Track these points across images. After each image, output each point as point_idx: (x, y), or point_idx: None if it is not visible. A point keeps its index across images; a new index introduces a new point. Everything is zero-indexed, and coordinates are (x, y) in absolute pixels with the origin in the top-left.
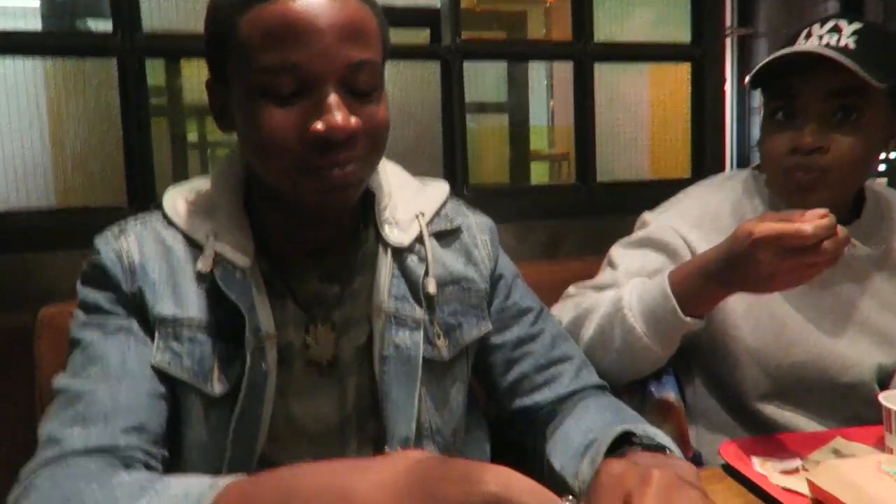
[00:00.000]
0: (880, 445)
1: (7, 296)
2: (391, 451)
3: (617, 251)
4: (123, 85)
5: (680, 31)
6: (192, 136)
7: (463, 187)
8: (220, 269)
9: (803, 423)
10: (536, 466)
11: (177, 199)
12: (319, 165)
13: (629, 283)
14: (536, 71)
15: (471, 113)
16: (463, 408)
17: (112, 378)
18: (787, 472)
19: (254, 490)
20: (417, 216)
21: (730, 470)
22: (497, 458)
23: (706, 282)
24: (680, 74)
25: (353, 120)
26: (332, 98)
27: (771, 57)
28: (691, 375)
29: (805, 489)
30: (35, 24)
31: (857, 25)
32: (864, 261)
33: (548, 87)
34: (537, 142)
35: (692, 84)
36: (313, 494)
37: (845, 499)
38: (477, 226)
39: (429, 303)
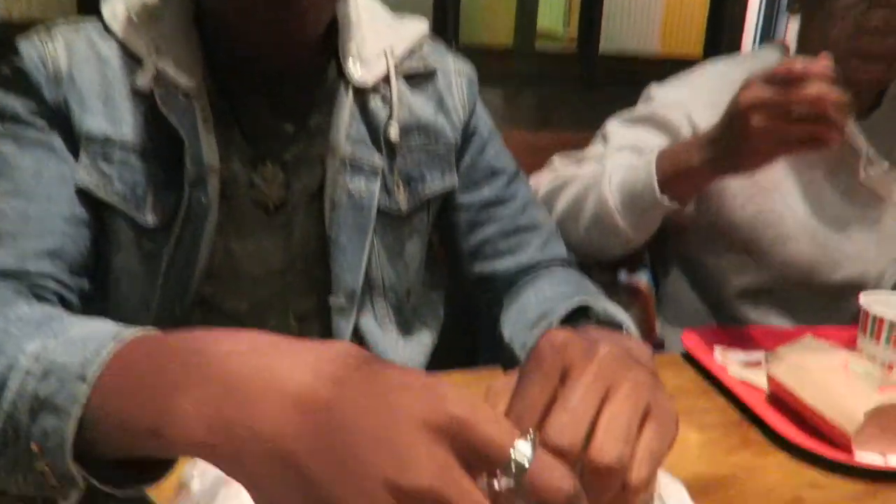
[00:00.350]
0: (852, 346)
1: None
2: (336, 302)
3: (613, 125)
4: None
5: None
6: None
7: (452, 43)
8: (161, 89)
9: (780, 323)
10: (490, 337)
11: (116, 5)
12: None
13: (616, 158)
14: None
15: None
16: (420, 266)
17: (24, 195)
18: (748, 365)
19: (161, 350)
20: (386, 52)
21: (690, 358)
22: (451, 326)
23: (694, 156)
24: None
25: None
26: None
27: None
28: (669, 263)
29: (764, 383)
30: None
31: None
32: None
33: None
34: (547, 16)
35: None
36: (234, 373)
37: (804, 396)
38: (455, 71)
39: (390, 150)
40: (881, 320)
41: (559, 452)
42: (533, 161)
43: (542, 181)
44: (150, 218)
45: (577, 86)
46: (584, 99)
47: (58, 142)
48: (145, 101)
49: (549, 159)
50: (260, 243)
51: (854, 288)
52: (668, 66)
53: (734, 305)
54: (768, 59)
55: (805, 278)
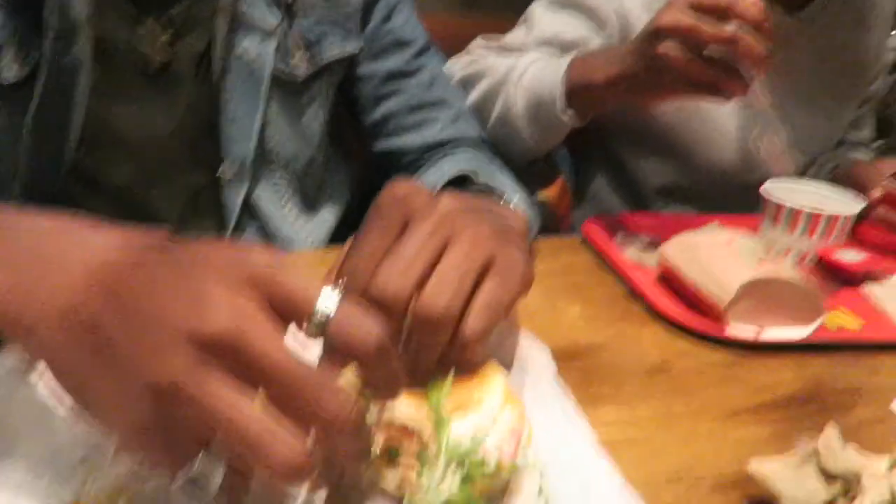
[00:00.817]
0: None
1: None
2: (225, 173)
3: (538, 9)
4: None
5: None
6: None
7: None
8: None
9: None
10: None
11: None
12: None
13: (532, 56)
14: None
15: None
16: (321, 137)
17: None
18: (647, 247)
19: None
20: None
21: (588, 244)
22: (361, 207)
23: (601, 71)
24: None
25: None
26: None
27: None
28: (591, 157)
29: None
30: None
31: None
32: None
33: None
34: None
35: None
36: (40, 247)
37: (686, 272)
38: None
39: (287, 9)
40: (780, 206)
41: (383, 303)
42: (455, 48)
43: (457, 66)
44: (8, 73)
45: None
46: None
47: None
48: None
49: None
50: (141, 109)
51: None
52: None
53: (651, 202)
54: None
55: (725, 178)
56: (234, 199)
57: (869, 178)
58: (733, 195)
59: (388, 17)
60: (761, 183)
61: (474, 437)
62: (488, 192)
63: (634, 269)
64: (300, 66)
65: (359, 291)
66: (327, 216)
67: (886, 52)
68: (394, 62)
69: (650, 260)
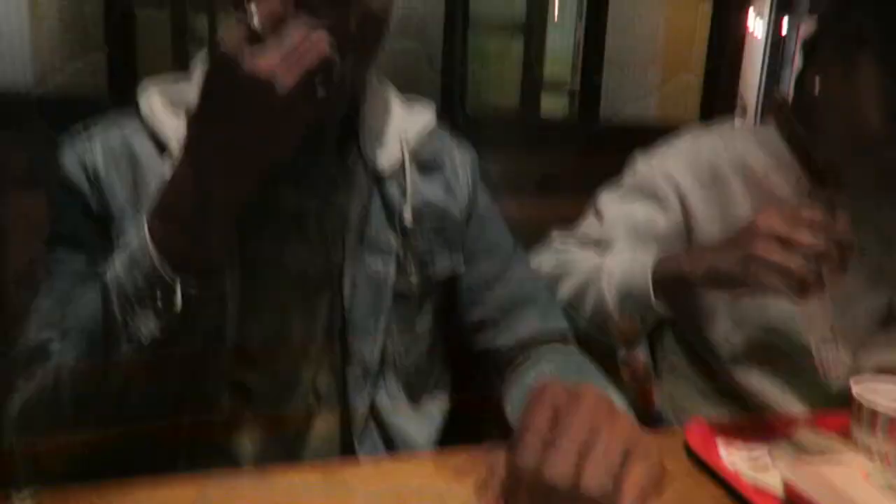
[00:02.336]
0: (845, 431)
1: None
2: (353, 376)
3: (603, 199)
4: None
5: None
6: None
7: (461, 108)
8: None
9: (774, 390)
10: (496, 410)
11: (152, 97)
12: None
13: (615, 253)
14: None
15: (481, 31)
16: (428, 339)
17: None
18: (755, 463)
19: None
20: (402, 141)
21: (694, 457)
22: (460, 396)
23: (693, 267)
24: (699, 12)
25: None
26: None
27: None
28: (662, 330)
29: (775, 484)
30: None
31: None
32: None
33: (578, 9)
34: (556, 70)
35: (712, 20)
36: None
37: None
38: (459, 157)
39: (404, 233)
40: (874, 413)
41: (553, 486)
42: (534, 232)
43: (544, 262)
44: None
45: (577, 152)
46: (583, 165)
47: (88, 240)
48: None
49: (549, 230)
50: (281, 318)
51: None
52: (665, 133)
53: (726, 370)
54: (743, 132)
55: (796, 345)
56: (361, 401)
57: None
58: (804, 354)
59: (481, 228)
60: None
61: None
62: None
63: (758, 496)
64: (415, 280)
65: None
66: (435, 414)
67: None
68: (487, 266)
69: (767, 482)
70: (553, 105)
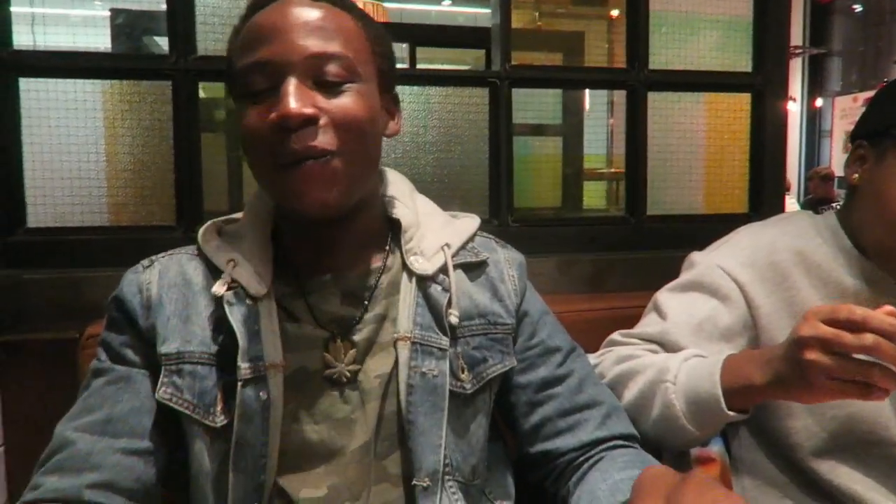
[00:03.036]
0: None
1: (56, 310)
2: (420, 484)
3: (663, 296)
4: (176, 106)
5: (742, 57)
6: None
7: (508, 216)
8: (230, 296)
9: (861, 484)
10: None
11: (209, 230)
12: (289, 159)
13: (681, 355)
14: (596, 93)
15: (523, 136)
16: (483, 444)
17: (96, 432)
18: None
19: None
20: (443, 247)
21: None
22: (520, 499)
23: (756, 375)
24: (739, 103)
25: (310, 106)
26: (288, 86)
27: None
28: (737, 426)
29: None
30: (102, 37)
31: None
32: None
33: (608, 109)
34: (597, 166)
35: (752, 114)
36: None
37: None
38: (506, 260)
39: (452, 334)
40: None
41: None
42: (588, 329)
43: (607, 362)
44: (219, 419)
45: (626, 249)
46: (633, 262)
47: (136, 372)
48: (218, 311)
49: (605, 332)
50: (334, 426)
51: None
52: (714, 224)
53: (808, 464)
54: (800, 223)
55: (870, 433)
56: None
57: None
58: (888, 449)
59: (534, 333)
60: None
61: None
62: None
63: None
64: (467, 382)
65: None
66: None
67: None
68: (545, 370)
69: None
70: (598, 202)
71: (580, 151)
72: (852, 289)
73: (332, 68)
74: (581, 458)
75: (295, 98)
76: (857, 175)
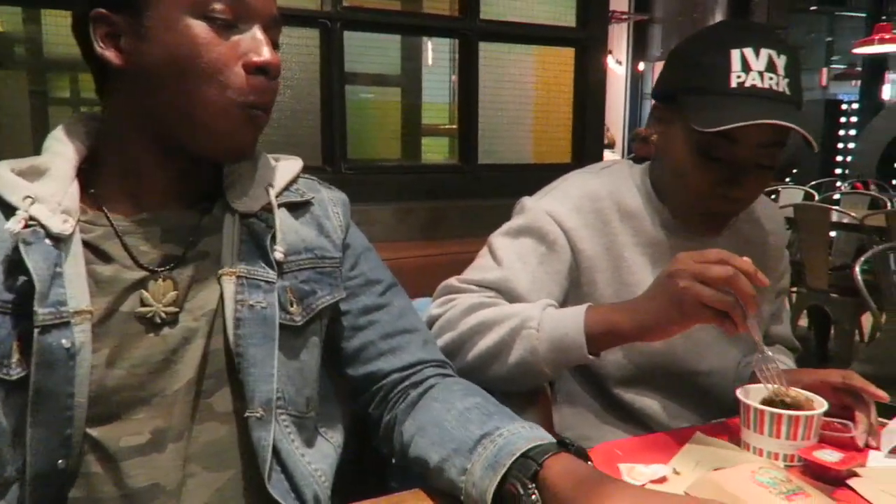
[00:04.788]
0: (736, 438)
1: None
2: (254, 414)
3: (497, 240)
4: None
5: (567, 13)
6: (61, 91)
7: (341, 163)
8: (28, 235)
9: (664, 411)
10: (388, 441)
11: (3, 168)
12: (252, 103)
13: (539, 305)
14: (441, 43)
15: (362, 85)
16: (317, 375)
17: None
18: (655, 482)
19: None
20: (266, 187)
21: None
22: (357, 434)
23: (625, 321)
24: (565, 58)
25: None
26: (263, 35)
27: (747, 123)
28: None
29: None
30: None
31: (784, 58)
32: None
33: (451, 60)
34: (435, 118)
35: (575, 69)
36: None
37: None
38: (329, 199)
39: (279, 269)
40: (762, 412)
41: None
42: (424, 274)
43: (454, 315)
44: (14, 371)
45: (460, 197)
46: (467, 210)
47: None
48: (15, 253)
49: (441, 277)
50: (157, 369)
51: (719, 375)
52: (542, 173)
53: (617, 392)
54: (620, 173)
55: (675, 367)
56: (265, 440)
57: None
58: (700, 386)
59: (356, 264)
60: (712, 371)
61: None
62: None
63: None
64: (297, 314)
65: None
66: (328, 450)
67: (785, 257)
68: (366, 299)
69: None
70: (433, 152)
71: (419, 101)
72: (658, 237)
73: (276, 31)
74: (406, 382)
75: (270, 50)
76: (655, 136)
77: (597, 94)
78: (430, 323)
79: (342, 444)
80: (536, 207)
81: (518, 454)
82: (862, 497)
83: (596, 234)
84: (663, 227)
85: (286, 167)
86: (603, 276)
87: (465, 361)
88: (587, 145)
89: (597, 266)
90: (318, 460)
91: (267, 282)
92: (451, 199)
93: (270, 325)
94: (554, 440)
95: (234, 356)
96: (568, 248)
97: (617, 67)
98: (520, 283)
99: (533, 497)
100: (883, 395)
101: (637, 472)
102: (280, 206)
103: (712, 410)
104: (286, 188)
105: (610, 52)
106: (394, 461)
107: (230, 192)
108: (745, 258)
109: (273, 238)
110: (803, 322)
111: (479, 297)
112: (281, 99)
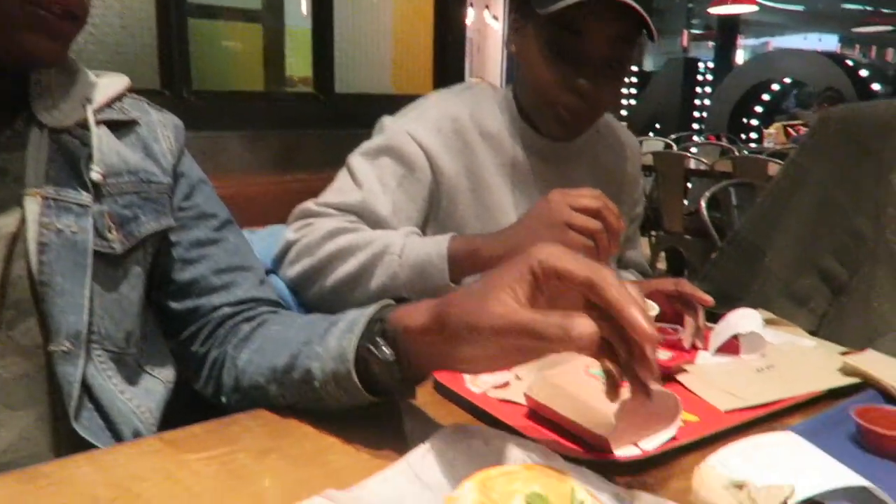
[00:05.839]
0: None
1: None
2: (59, 347)
3: (356, 161)
4: None
5: None
6: None
7: (183, 87)
8: None
9: None
10: (216, 380)
11: None
12: (39, 1)
13: (402, 232)
14: None
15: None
16: (139, 309)
17: None
18: (498, 387)
19: None
20: (83, 102)
21: (443, 389)
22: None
23: (490, 251)
24: None
25: None
26: None
27: None
28: None
29: (520, 400)
30: None
31: None
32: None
33: None
34: (298, 47)
35: (435, 6)
36: None
37: (561, 409)
38: (159, 122)
39: (97, 192)
40: None
41: None
42: (277, 203)
43: (313, 240)
44: None
45: (316, 127)
46: (324, 139)
47: None
48: None
49: (295, 205)
50: None
51: None
52: (402, 103)
53: None
54: (482, 94)
55: None
56: (72, 373)
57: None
58: None
59: (190, 195)
60: None
61: None
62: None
63: (506, 412)
64: (116, 241)
65: None
66: (155, 386)
67: (640, 185)
68: (199, 232)
69: (511, 396)
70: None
71: (280, 27)
72: (520, 158)
73: None
74: (238, 318)
75: None
76: (514, 46)
77: (456, 26)
78: (287, 248)
79: (174, 381)
80: (396, 127)
81: (372, 314)
82: (689, 390)
83: (457, 156)
84: (525, 148)
85: (109, 83)
86: (464, 198)
87: (324, 288)
88: (449, 76)
89: (457, 188)
90: (141, 397)
91: (80, 205)
92: (307, 128)
93: (82, 253)
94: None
95: (38, 285)
96: (428, 169)
97: (493, 23)
98: (380, 207)
99: (384, 350)
100: (709, 299)
101: (481, 381)
102: (100, 123)
103: None
104: (108, 105)
105: (486, 8)
106: (223, 400)
107: (37, 104)
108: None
109: (90, 158)
110: (662, 265)
111: (338, 222)
112: (109, 13)
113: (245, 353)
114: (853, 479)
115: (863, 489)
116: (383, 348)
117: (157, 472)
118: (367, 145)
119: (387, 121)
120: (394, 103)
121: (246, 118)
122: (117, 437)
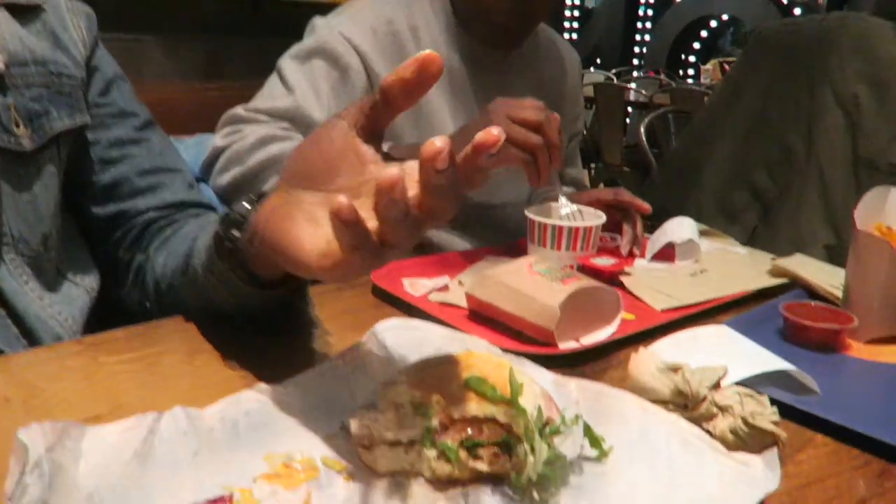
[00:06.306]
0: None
1: None
2: None
3: (287, 64)
4: None
5: None
6: None
7: None
8: None
9: (459, 244)
10: (141, 285)
11: None
12: None
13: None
14: None
15: None
16: (56, 210)
17: None
18: (440, 290)
19: None
20: None
21: (380, 292)
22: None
23: None
24: None
25: None
26: None
27: None
28: None
29: (460, 303)
30: None
31: None
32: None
33: None
34: None
35: None
36: None
37: (505, 305)
38: (69, 9)
39: (0, 82)
40: (545, 226)
41: None
42: (203, 111)
43: (244, 147)
44: None
45: (244, 35)
46: (252, 48)
47: None
48: None
49: (224, 114)
50: None
51: (512, 206)
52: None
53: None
54: (423, 2)
55: (470, 201)
56: None
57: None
58: (490, 217)
59: (107, 91)
60: (507, 203)
61: (538, 410)
62: None
63: (445, 313)
64: (25, 138)
65: None
66: (77, 293)
67: (581, 100)
68: (120, 130)
69: (450, 300)
70: None
71: None
72: (457, 65)
73: None
74: (164, 222)
75: None
76: None
77: None
78: (215, 155)
79: (97, 288)
80: (329, 27)
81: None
82: (629, 292)
83: (392, 60)
84: (462, 56)
85: None
86: (407, 120)
87: None
88: None
89: None
90: (62, 304)
91: None
92: (233, 35)
93: None
94: None
95: None
96: (363, 72)
97: None
98: (313, 112)
99: (232, 232)
100: (647, 206)
101: (420, 285)
102: None
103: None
104: None
105: None
106: (148, 306)
107: None
108: (555, 114)
109: None
110: None
111: (269, 129)
112: None
113: (161, 255)
114: (781, 364)
115: (789, 375)
116: (232, 231)
117: (74, 372)
118: (298, 47)
119: (318, 21)
120: (327, 7)
121: (165, 22)
122: (37, 345)
